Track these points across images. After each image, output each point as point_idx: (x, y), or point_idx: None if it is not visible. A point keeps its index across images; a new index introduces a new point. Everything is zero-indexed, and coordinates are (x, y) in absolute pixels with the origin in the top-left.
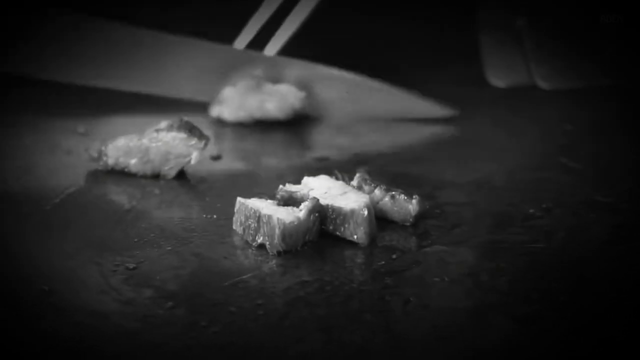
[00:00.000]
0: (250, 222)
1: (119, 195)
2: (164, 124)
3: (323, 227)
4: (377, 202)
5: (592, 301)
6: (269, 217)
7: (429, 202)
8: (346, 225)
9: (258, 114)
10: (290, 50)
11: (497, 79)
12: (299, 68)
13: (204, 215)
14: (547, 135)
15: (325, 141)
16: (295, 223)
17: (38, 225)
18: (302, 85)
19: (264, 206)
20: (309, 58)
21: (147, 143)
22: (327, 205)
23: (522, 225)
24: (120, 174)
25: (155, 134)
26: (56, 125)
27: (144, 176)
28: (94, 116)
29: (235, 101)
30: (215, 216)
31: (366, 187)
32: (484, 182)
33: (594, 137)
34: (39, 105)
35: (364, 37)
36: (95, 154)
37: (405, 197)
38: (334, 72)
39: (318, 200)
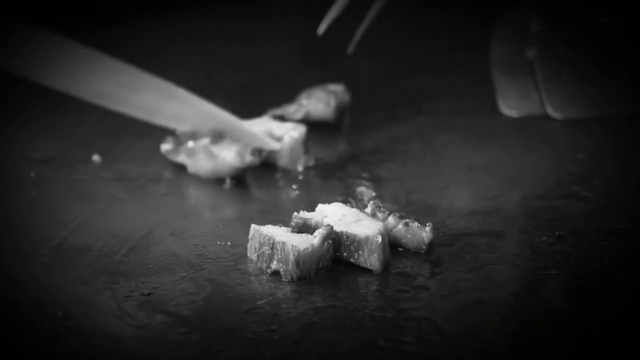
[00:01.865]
0: (264, 249)
1: (134, 222)
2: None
3: (337, 253)
4: (391, 230)
5: (604, 328)
6: (283, 243)
7: (442, 230)
8: (360, 252)
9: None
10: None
11: (510, 109)
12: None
13: (218, 242)
14: (559, 164)
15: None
16: (310, 250)
17: (53, 251)
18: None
19: (278, 233)
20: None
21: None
22: (341, 232)
23: (535, 252)
24: (135, 200)
25: None
26: (72, 153)
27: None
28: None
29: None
30: (229, 243)
31: (380, 215)
32: (496, 210)
33: (606, 166)
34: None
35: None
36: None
37: (419, 225)
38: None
39: (332, 227)
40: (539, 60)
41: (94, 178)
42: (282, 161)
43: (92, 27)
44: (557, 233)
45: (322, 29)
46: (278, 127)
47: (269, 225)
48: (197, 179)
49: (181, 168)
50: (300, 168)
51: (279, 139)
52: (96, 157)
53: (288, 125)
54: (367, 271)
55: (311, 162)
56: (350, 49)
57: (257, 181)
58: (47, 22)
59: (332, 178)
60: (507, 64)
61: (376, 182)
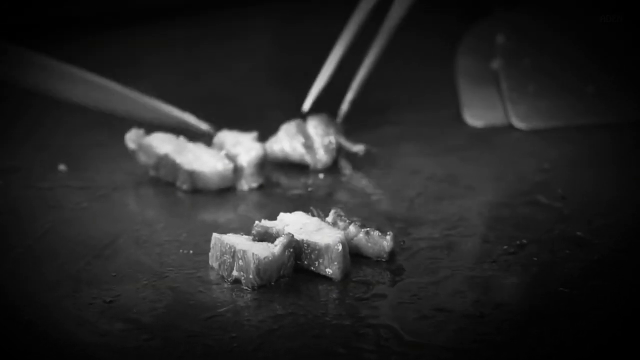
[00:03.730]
0: (226, 258)
1: (99, 231)
2: None
3: (298, 262)
4: (352, 239)
5: (564, 337)
6: (245, 252)
7: (403, 239)
8: (321, 261)
9: None
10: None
11: (475, 119)
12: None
13: (181, 251)
14: (523, 173)
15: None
16: (270, 258)
17: (18, 258)
18: None
19: (240, 242)
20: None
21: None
22: (302, 240)
23: (496, 261)
24: (100, 209)
25: None
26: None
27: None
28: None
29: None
30: (192, 252)
31: (341, 224)
32: (459, 219)
33: (570, 176)
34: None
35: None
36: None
37: (380, 234)
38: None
39: (293, 236)
40: (505, 71)
41: (60, 187)
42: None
43: (60, 39)
44: (518, 242)
45: (307, 105)
46: (235, 145)
47: (230, 234)
48: (162, 189)
49: (145, 178)
50: (246, 188)
51: (233, 158)
52: (62, 167)
53: (246, 143)
54: (327, 280)
55: (256, 184)
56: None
57: (221, 191)
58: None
59: (296, 187)
60: (473, 75)
61: (338, 193)
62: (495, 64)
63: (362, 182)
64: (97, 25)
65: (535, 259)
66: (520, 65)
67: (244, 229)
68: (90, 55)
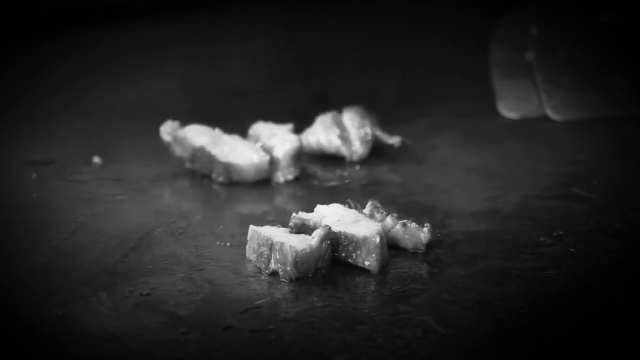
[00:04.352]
0: (263, 250)
1: (134, 224)
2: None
3: (335, 254)
4: (389, 230)
5: (603, 328)
6: (282, 244)
7: (440, 231)
8: (358, 253)
9: None
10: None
11: (509, 111)
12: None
13: (218, 243)
14: (558, 165)
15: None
16: (308, 251)
17: (53, 251)
18: None
19: (277, 234)
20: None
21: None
22: (340, 232)
23: (533, 253)
24: (136, 201)
25: None
26: (73, 155)
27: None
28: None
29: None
30: (228, 244)
31: (378, 216)
32: (495, 211)
33: (605, 167)
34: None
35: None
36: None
37: (417, 226)
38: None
39: (330, 228)
40: (538, 62)
41: (95, 180)
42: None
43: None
44: (555, 234)
45: None
46: (270, 137)
47: (267, 227)
48: (197, 181)
49: (181, 170)
50: (282, 180)
51: (269, 150)
52: (97, 159)
53: (282, 135)
54: (365, 272)
55: (291, 176)
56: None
57: (257, 183)
58: None
59: (332, 179)
60: (507, 66)
61: (375, 184)
62: (529, 56)
63: (398, 173)
64: (120, 20)
65: (572, 250)
66: (554, 56)
67: (281, 221)
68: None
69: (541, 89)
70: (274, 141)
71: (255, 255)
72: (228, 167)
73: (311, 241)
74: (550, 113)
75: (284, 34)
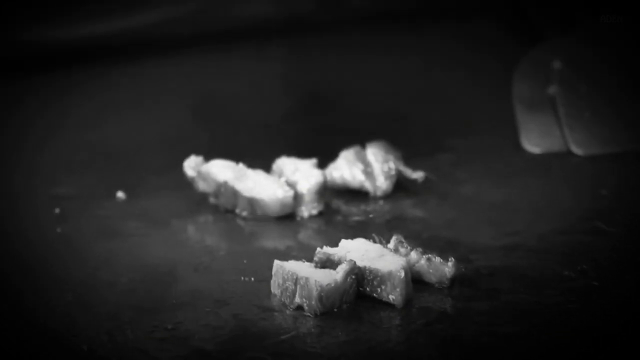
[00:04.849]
0: (288, 284)
1: (158, 258)
2: None
3: (360, 288)
4: (414, 265)
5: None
6: (307, 279)
7: (464, 265)
8: (383, 287)
9: None
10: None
11: (532, 146)
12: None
13: (242, 278)
14: (581, 199)
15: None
16: (333, 285)
17: (78, 286)
18: None
19: (302, 269)
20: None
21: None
22: (364, 267)
23: (557, 287)
24: (159, 236)
25: None
26: (96, 190)
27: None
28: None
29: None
30: (253, 279)
31: (402, 250)
32: (518, 245)
33: (628, 201)
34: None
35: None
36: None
37: (441, 260)
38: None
39: (355, 262)
40: (561, 97)
41: (118, 214)
42: (296, 208)
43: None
44: (579, 267)
45: None
46: (294, 172)
47: (292, 261)
48: (221, 216)
49: (204, 205)
50: (305, 214)
51: (292, 185)
52: (120, 194)
53: (306, 170)
54: (389, 306)
55: (315, 211)
56: None
57: (280, 218)
58: None
59: (355, 214)
60: (530, 100)
61: (398, 219)
62: (552, 90)
63: (421, 207)
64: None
65: (596, 283)
66: (577, 91)
67: (305, 255)
68: (133, 85)
69: (564, 123)
70: (297, 176)
71: (279, 290)
72: (252, 202)
73: (336, 275)
74: (573, 147)
75: (303, 66)
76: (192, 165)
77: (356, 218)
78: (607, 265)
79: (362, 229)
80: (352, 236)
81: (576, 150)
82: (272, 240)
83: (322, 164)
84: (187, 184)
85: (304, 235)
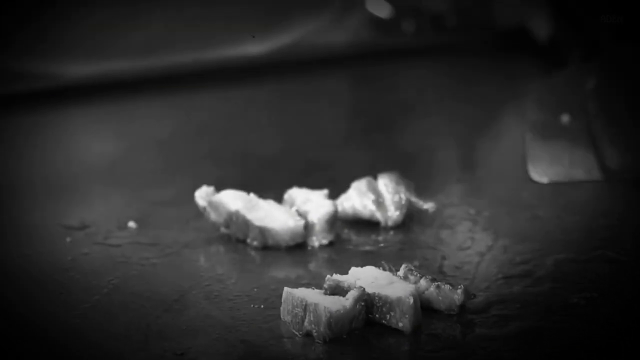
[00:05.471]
0: (297, 311)
1: (168, 286)
2: None
3: (369, 315)
4: (423, 292)
5: None
6: (316, 305)
7: (473, 293)
8: (392, 314)
9: None
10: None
11: (541, 175)
12: None
13: (252, 305)
14: (591, 229)
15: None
16: (342, 311)
17: (87, 312)
18: None
19: (311, 295)
20: None
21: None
22: (373, 293)
23: (565, 314)
24: (170, 265)
25: None
26: (108, 220)
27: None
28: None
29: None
30: (262, 306)
31: (412, 278)
32: (527, 273)
33: (638, 231)
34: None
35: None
36: None
37: (451, 287)
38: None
39: (364, 289)
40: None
41: (129, 244)
42: (307, 238)
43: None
44: (588, 295)
45: None
46: (305, 202)
47: (302, 288)
48: (232, 246)
49: (216, 235)
50: (316, 244)
51: (304, 214)
52: (132, 224)
53: (317, 200)
54: (398, 333)
55: (326, 240)
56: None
57: (291, 247)
58: None
59: (366, 244)
60: (541, 129)
61: (409, 249)
62: (564, 118)
63: (432, 237)
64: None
65: (604, 310)
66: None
67: (315, 284)
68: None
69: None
70: (308, 206)
71: (289, 316)
72: (263, 231)
73: (345, 302)
74: (581, 174)
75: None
76: (203, 195)
77: (367, 247)
78: (615, 293)
79: (372, 258)
80: (362, 265)
81: (583, 176)
82: (282, 269)
83: (334, 195)
84: (198, 214)
85: (314, 265)
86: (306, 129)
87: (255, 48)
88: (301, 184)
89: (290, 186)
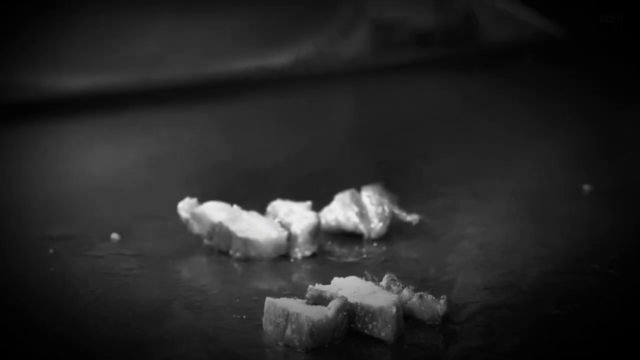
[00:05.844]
0: (279, 321)
1: (150, 296)
2: None
3: (351, 325)
4: (405, 302)
5: None
6: (298, 315)
7: (456, 303)
8: (374, 323)
9: None
10: None
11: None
12: None
13: (234, 316)
14: (576, 242)
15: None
16: (324, 321)
17: (68, 322)
18: None
19: (293, 305)
20: None
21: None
22: (356, 303)
23: (549, 325)
24: (152, 275)
25: None
26: (91, 232)
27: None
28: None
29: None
30: (244, 316)
31: (394, 288)
32: (511, 285)
33: (623, 243)
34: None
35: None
36: None
37: (433, 298)
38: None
39: (346, 299)
40: None
41: (112, 255)
42: (290, 249)
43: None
44: (570, 306)
45: None
46: (288, 214)
47: (284, 298)
48: (215, 257)
49: (198, 247)
50: (299, 256)
51: (287, 226)
52: (115, 236)
53: (299, 211)
54: (381, 342)
55: (309, 252)
56: None
57: (274, 259)
58: None
59: (349, 256)
60: None
61: (392, 260)
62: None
63: (416, 249)
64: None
65: (588, 321)
66: None
67: (298, 295)
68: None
69: None
70: (291, 217)
71: (271, 326)
72: (246, 243)
73: (327, 311)
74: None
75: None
76: (186, 207)
77: (350, 259)
78: (599, 305)
79: (355, 270)
80: (345, 276)
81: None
82: (265, 280)
83: (317, 208)
84: (181, 226)
85: (297, 276)
86: (294, 144)
87: (249, 64)
88: (285, 197)
89: (274, 199)
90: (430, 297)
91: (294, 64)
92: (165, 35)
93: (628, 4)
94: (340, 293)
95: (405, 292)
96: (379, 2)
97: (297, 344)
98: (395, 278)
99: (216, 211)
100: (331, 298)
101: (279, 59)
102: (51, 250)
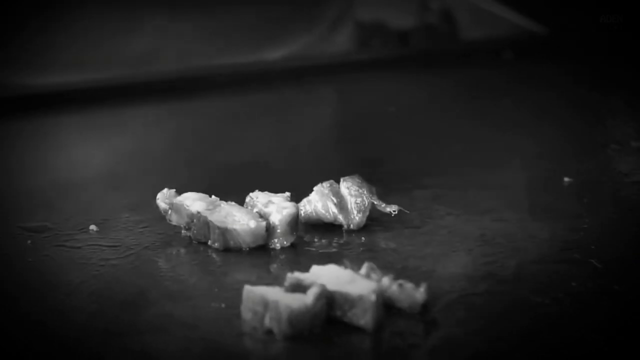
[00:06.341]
0: (257, 309)
1: (128, 286)
2: None
3: (331, 313)
4: (385, 290)
5: None
6: (276, 302)
7: (436, 292)
8: (353, 311)
9: None
10: None
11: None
12: None
13: (213, 304)
14: (557, 232)
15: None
16: (303, 308)
17: (47, 311)
18: None
19: (272, 293)
20: None
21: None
22: (335, 291)
23: (529, 314)
24: (131, 266)
25: None
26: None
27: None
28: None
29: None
30: (223, 305)
31: (374, 276)
32: (492, 274)
33: (605, 233)
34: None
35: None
36: None
37: (413, 286)
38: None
39: (325, 286)
40: None
41: (90, 246)
42: (269, 240)
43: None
44: (552, 295)
45: None
46: (267, 204)
47: (262, 286)
48: (194, 248)
49: (177, 238)
50: (278, 246)
51: (265, 216)
52: (93, 227)
53: (278, 202)
54: (360, 330)
55: (288, 242)
56: None
57: (253, 249)
58: None
59: (328, 246)
60: None
61: (371, 250)
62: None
63: (395, 239)
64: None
65: (569, 310)
66: None
67: (276, 284)
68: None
69: None
70: (270, 208)
71: (250, 314)
72: (224, 233)
73: (306, 299)
74: None
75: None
76: (164, 197)
77: (329, 250)
78: (581, 293)
79: (335, 259)
80: (324, 263)
81: None
82: (243, 270)
83: (297, 199)
84: (160, 218)
85: (276, 266)
86: (275, 138)
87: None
88: (264, 189)
89: (253, 190)
90: (410, 285)
91: (277, 61)
92: (149, 34)
93: (628, 4)
94: (320, 281)
95: (385, 280)
96: (363, 3)
97: (275, 331)
98: (375, 267)
99: (195, 201)
100: (310, 286)
101: (260, 55)
102: (29, 242)
